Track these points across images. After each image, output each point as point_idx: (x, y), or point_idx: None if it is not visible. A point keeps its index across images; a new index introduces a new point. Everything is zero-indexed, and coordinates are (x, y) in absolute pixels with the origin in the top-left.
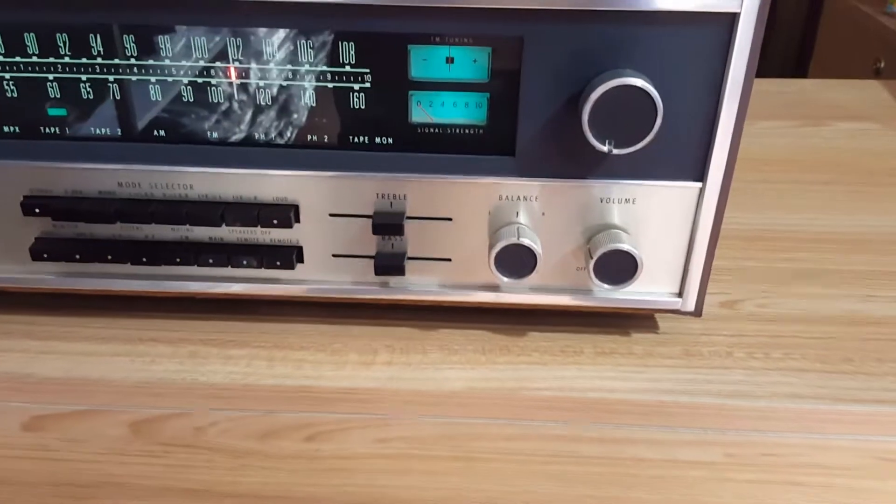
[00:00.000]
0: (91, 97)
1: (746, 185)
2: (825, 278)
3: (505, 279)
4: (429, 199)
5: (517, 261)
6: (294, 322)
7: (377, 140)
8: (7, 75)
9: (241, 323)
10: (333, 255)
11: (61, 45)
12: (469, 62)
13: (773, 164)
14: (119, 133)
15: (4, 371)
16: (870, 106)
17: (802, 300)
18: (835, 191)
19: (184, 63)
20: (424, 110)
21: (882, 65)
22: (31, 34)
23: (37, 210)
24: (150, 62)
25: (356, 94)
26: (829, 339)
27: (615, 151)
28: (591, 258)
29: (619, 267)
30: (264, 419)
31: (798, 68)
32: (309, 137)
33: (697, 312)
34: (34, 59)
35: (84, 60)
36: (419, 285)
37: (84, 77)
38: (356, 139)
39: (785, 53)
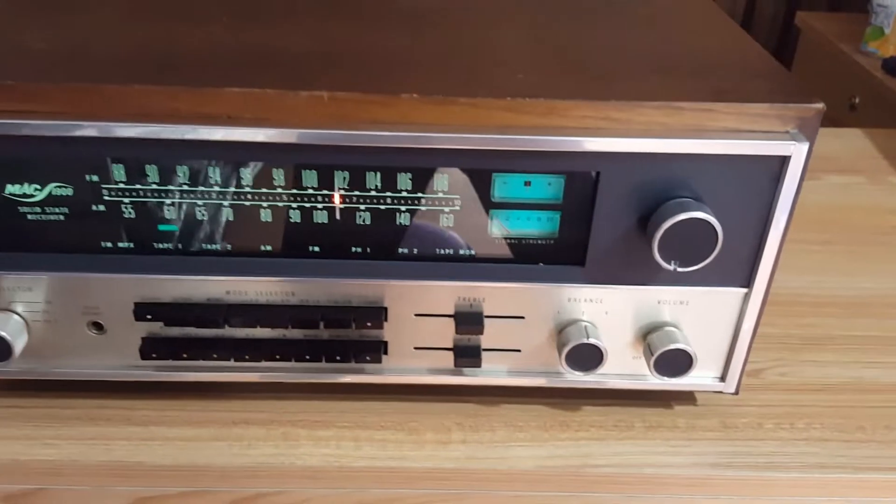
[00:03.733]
0: (204, 218)
1: None
2: (832, 344)
3: (575, 373)
4: (504, 301)
5: (586, 357)
6: (369, 400)
7: (460, 252)
8: (126, 199)
9: (322, 402)
10: (415, 348)
11: (180, 174)
12: (545, 185)
13: None
14: (229, 248)
15: (114, 459)
16: (855, 157)
17: (816, 367)
18: (834, 251)
19: (294, 191)
20: (502, 225)
21: (857, 100)
22: (154, 166)
23: (148, 316)
24: (263, 190)
25: (446, 215)
26: (842, 407)
27: (679, 270)
28: (652, 355)
29: (676, 361)
30: (355, 495)
31: None
32: (400, 251)
33: (736, 392)
34: (153, 186)
35: (201, 188)
36: (490, 372)
37: (200, 202)
38: (442, 251)
39: None
